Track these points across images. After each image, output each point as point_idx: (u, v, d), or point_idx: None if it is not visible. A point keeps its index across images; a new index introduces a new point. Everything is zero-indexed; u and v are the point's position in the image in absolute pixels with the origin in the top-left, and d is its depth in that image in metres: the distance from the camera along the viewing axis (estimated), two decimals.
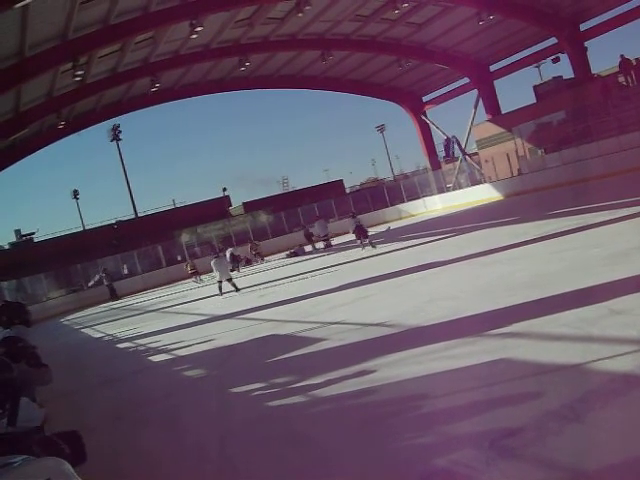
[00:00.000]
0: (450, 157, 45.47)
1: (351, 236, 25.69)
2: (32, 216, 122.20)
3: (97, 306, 34.02)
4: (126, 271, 37.61)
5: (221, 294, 19.73)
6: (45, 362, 5.68)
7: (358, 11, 33.51)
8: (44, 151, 41.45)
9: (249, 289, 20.61)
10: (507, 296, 8.55)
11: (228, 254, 31.50)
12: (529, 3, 33.92)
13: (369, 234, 24.34)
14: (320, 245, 32.51)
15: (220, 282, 19.97)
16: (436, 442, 4.60)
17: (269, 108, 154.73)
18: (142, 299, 31.22)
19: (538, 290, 8.36)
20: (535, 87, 40.96)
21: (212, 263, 20.37)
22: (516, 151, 36.73)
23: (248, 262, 35.29)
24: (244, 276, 28.06)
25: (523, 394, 4.99)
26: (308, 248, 33.33)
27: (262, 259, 35.76)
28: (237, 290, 19.72)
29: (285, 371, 8.00)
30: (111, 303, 33.79)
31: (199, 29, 27.85)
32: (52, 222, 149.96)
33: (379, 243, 24.19)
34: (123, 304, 30.98)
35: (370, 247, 23.37)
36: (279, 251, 38.77)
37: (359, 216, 26.21)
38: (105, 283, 36.61)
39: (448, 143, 44.94)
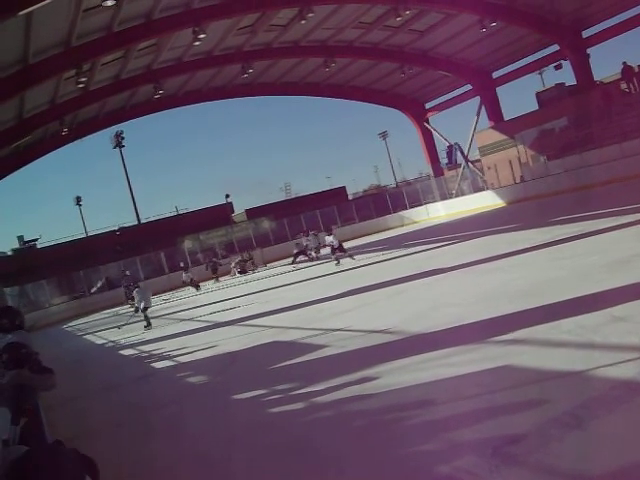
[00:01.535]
0: (453, 164, 45.60)
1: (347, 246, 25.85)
2: (35, 222, 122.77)
3: (100, 312, 34.02)
4: (129, 277, 37.54)
5: (148, 324, 18.75)
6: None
7: (361, 18, 33.62)
8: (47, 158, 41.63)
9: (251, 296, 20.63)
10: (508, 303, 8.54)
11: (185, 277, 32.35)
12: (531, 10, 34.00)
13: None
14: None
15: (145, 309, 18.86)
16: (439, 449, 4.60)
17: (272, 115, 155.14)
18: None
19: (539, 297, 8.36)
20: (537, 94, 41.07)
21: (135, 292, 19.41)
22: (519, 158, 36.81)
23: (243, 271, 35.74)
24: (246, 282, 28.09)
25: (525, 401, 4.99)
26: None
27: (253, 268, 36.26)
28: (147, 325, 18.66)
29: (287, 378, 8.00)
30: (119, 308, 33.63)
31: (202, 36, 27.97)
32: (55, 228, 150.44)
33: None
34: (127, 310, 30.89)
35: (337, 262, 23.83)
36: (281, 258, 38.84)
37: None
38: (124, 284, 36.42)
39: (451, 150, 45.08)
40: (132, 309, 26.35)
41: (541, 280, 9.63)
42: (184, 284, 32.99)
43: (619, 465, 3.66)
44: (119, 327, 21.74)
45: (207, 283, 34.89)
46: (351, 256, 23.75)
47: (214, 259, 37.45)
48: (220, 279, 35.08)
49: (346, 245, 30.84)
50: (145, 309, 18.80)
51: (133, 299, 26.90)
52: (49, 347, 19.95)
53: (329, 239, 24.67)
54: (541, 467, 3.86)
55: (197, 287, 31.88)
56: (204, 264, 37.73)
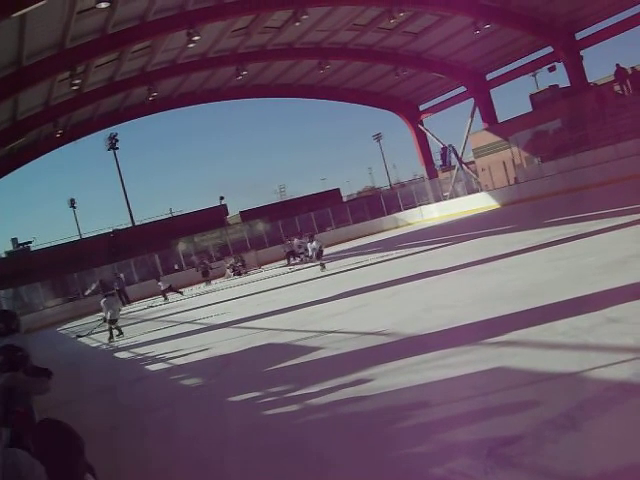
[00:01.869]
0: (447, 166, 45.65)
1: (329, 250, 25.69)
2: (29, 225, 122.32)
3: (94, 315, 33.89)
4: (123, 280, 37.47)
5: (111, 338, 17.90)
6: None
7: (355, 20, 33.66)
8: (41, 160, 41.48)
9: (245, 298, 20.62)
10: (503, 305, 8.55)
11: (163, 285, 31.17)
12: (525, 12, 34.08)
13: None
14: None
15: (112, 322, 17.93)
16: (433, 451, 4.60)
17: (266, 117, 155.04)
18: (138, 307, 31.17)
19: (534, 299, 8.36)
20: (531, 96, 41.11)
21: (102, 302, 18.20)
22: (513, 160, 36.83)
23: (238, 273, 35.64)
24: (240, 285, 28.04)
25: (520, 403, 4.98)
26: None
27: (246, 270, 35.98)
28: (120, 334, 18.08)
29: (281, 380, 7.98)
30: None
31: (196, 38, 27.93)
32: (49, 231, 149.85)
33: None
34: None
35: (322, 267, 23.03)
36: (276, 260, 38.80)
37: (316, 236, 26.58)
38: (117, 288, 36.04)
39: (445, 152, 45.13)
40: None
41: (536, 281, 9.63)
42: (162, 293, 31.31)
43: (614, 466, 3.66)
44: (79, 336, 21.50)
45: (199, 286, 34.92)
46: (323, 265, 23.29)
47: (205, 262, 37.31)
48: (212, 282, 35.00)
49: (340, 247, 30.84)
50: (112, 321, 17.95)
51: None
52: (43, 350, 19.89)
53: (312, 245, 24.40)
54: (536, 468, 3.86)
55: (165, 298, 30.46)
56: (195, 267, 37.54)
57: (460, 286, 11.44)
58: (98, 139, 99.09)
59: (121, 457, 6.54)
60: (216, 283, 34.57)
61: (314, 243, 24.26)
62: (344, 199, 64.71)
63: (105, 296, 18.74)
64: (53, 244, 53.11)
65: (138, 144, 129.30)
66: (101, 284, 37.84)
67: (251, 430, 6.29)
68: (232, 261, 37.14)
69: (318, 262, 23.86)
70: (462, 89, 44.11)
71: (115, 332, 18.16)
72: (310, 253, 24.47)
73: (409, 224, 42.75)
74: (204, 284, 34.68)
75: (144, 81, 34.06)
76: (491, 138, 40.71)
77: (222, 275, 36.90)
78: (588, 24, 35.01)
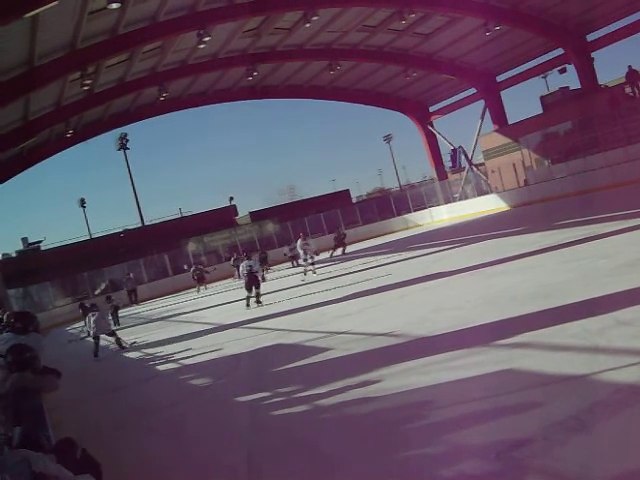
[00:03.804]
0: (457, 167, 45.55)
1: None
2: (39, 224, 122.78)
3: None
4: (133, 279, 37.59)
5: (96, 355, 16.11)
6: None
7: (365, 22, 33.61)
8: (52, 160, 41.57)
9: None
10: (514, 307, 8.54)
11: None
12: (536, 14, 33.96)
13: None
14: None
15: (97, 338, 16.24)
16: (443, 452, 4.59)
17: (277, 117, 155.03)
18: (148, 307, 31.25)
19: (545, 301, 8.35)
20: (542, 98, 40.96)
21: (90, 315, 16.59)
22: (523, 161, 36.72)
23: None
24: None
25: (530, 404, 4.97)
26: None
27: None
28: (122, 347, 16.52)
29: (291, 380, 7.99)
30: (129, 308, 33.35)
31: (207, 39, 27.94)
32: (59, 230, 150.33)
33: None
34: (129, 312, 30.81)
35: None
36: (285, 260, 38.78)
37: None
38: (127, 288, 35.78)
39: (455, 153, 45.03)
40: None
41: (547, 283, 9.61)
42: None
43: (623, 469, 3.65)
44: (69, 341, 21.67)
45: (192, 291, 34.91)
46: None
47: (200, 266, 36.85)
48: (207, 286, 34.65)
49: (350, 249, 30.84)
50: (96, 337, 16.42)
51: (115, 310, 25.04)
52: (53, 349, 19.95)
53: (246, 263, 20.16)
54: (545, 471, 3.86)
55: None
56: (191, 273, 36.80)
57: (471, 288, 11.41)
58: (108, 139, 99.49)
59: (130, 456, 6.56)
60: (219, 285, 34.44)
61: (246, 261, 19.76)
62: (354, 200, 64.67)
63: (93, 311, 16.94)
64: (63, 244, 53.37)
65: (148, 144, 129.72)
66: (111, 284, 37.95)
67: (260, 430, 6.31)
68: (231, 262, 36.78)
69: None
70: (472, 91, 43.98)
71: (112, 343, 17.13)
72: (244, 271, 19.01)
73: (419, 225, 42.72)
74: (197, 289, 34.21)
75: (155, 81, 34.10)
76: (501, 140, 40.59)
77: (231, 276, 36.83)
78: (599, 26, 34.85)
